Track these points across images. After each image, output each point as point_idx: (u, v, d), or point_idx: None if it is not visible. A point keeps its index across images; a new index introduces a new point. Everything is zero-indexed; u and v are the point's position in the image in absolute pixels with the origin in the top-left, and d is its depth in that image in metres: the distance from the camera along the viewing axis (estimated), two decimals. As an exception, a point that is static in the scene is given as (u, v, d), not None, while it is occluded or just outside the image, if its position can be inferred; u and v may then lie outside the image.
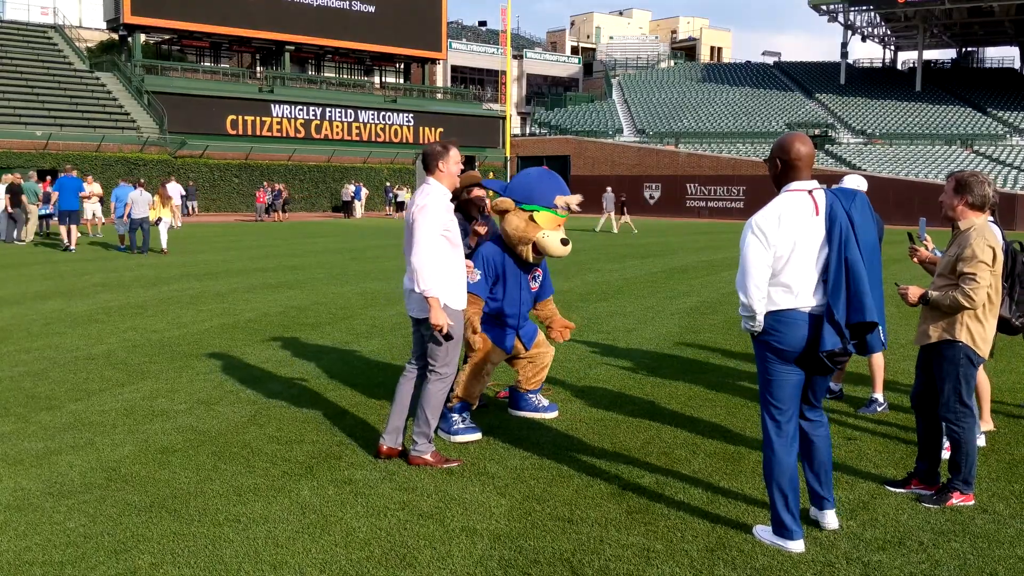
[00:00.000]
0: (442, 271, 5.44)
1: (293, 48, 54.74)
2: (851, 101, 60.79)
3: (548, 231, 6.19)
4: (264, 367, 8.49)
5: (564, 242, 6.23)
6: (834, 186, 7.14)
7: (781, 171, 4.26)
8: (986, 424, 6.35)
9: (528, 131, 65.22)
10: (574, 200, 6.33)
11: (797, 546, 4.31)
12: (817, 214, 4.17)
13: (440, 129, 55.00)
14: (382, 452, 5.69)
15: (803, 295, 4.17)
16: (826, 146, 53.10)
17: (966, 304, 4.76)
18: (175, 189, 32.92)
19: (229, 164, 46.39)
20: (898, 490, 5.22)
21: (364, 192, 47.09)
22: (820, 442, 4.49)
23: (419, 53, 58.64)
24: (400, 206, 46.82)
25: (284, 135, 50.15)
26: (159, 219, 21.76)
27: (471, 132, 56.14)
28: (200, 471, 5.44)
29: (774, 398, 4.33)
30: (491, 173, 55.45)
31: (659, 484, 5.29)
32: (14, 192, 24.23)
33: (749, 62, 74.96)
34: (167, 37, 54.49)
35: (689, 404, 7.20)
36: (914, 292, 4.99)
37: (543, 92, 75.50)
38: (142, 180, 21.84)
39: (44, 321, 11.07)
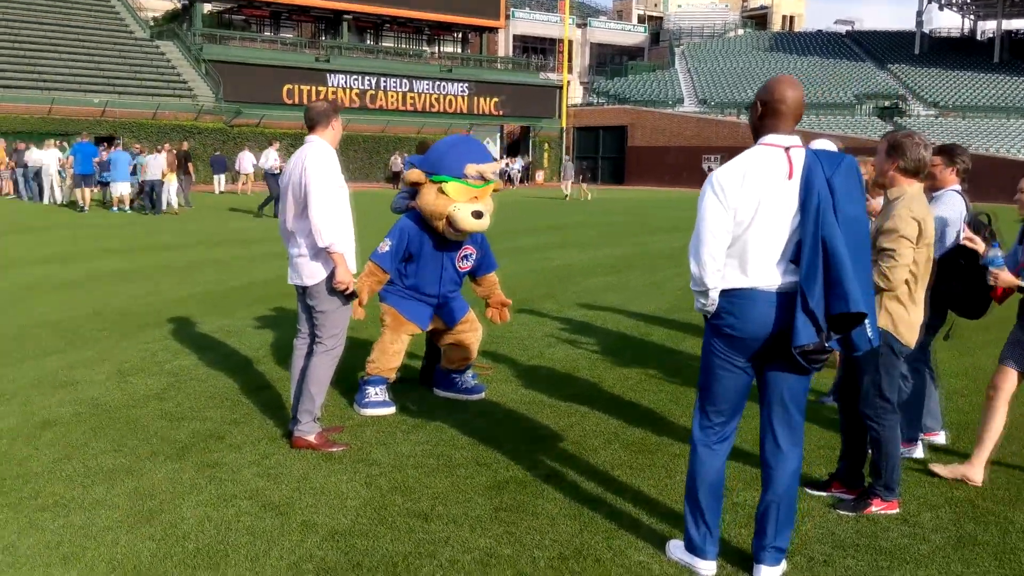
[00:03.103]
0: (341, 228, 5.02)
1: (351, 17, 54.51)
2: (925, 72, 58.27)
3: (459, 204, 5.65)
4: (214, 336, 8.15)
5: (477, 215, 5.67)
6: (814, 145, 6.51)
7: (760, 116, 3.52)
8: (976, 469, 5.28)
9: (587, 101, 64.16)
10: (488, 169, 5.75)
11: (707, 568, 3.70)
12: (791, 177, 3.40)
13: (495, 99, 54.29)
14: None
15: (762, 272, 3.43)
16: (895, 118, 51.10)
17: (881, 284, 4.11)
18: (248, 158, 32.97)
19: (285, 133, 46.43)
20: (817, 493, 4.61)
21: (416, 162, 46.67)
22: (783, 477, 3.61)
23: (477, 22, 57.88)
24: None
25: (339, 105, 50.05)
26: (163, 182, 22.30)
27: (527, 102, 55.30)
28: (65, 448, 5.09)
29: (711, 395, 3.64)
30: (546, 144, 54.72)
31: (550, 477, 4.77)
32: (182, 159, 25.22)
33: (821, 31, 72.40)
34: (229, 6, 54.77)
35: (635, 388, 6.63)
36: None
37: (608, 61, 74.18)
38: (137, 145, 22.36)
39: (27, 285, 10.94)
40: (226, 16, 56.52)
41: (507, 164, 50.52)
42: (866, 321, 3.44)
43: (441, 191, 5.64)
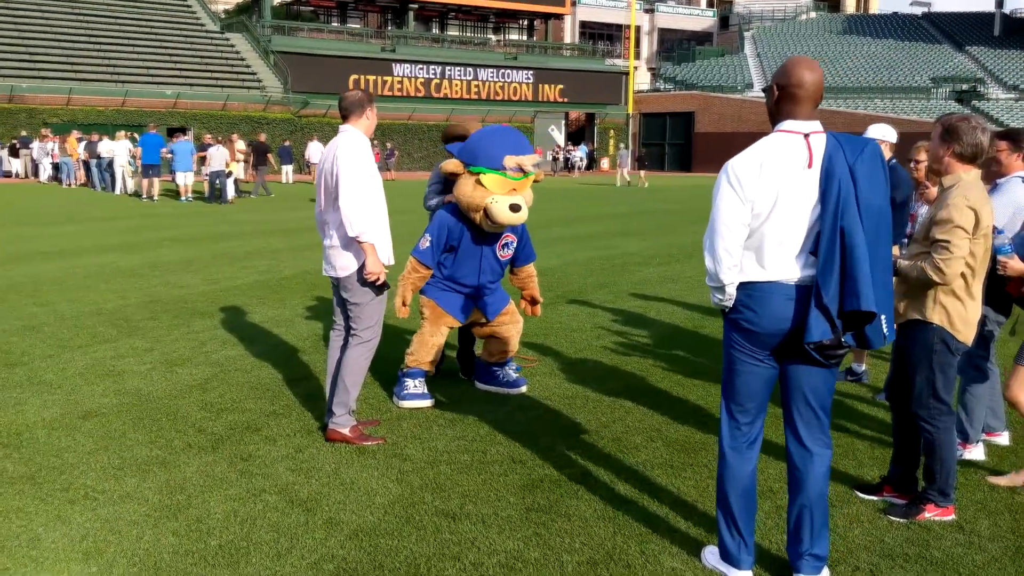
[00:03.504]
0: (371, 218, 4.92)
1: (417, 6, 54.67)
2: (1005, 54, 56.23)
3: (497, 196, 5.49)
4: (263, 326, 8.17)
5: (515, 208, 5.50)
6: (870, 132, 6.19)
7: (777, 101, 3.31)
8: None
9: (654, 87, 63.41)
10: (527, 161, 5.57)
11: None
12: (810, 166, 3.21)
13: (560, 86, 53.91)
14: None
15: (781, 265, 3.25)
16: (973, 102, 49.45)
17: (935, 278, 3.87)
18: (316, 148, 33.45)
19: (351, 123, 46.75)
20: (868, 497, 4.38)
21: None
22: (812, 479, 3.43)
23: (543, 9, 57.52)
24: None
25: (404, 94, 50.25)
26: (230, 172, 22.82)
27: (593, 88, 54.84)
28: (103, 439, 5.09)
29: (736, 392, 3.46)
30: (611, 131, 54.22)
31: (586, 476, 4.61)
32: (260, 150, 26.14)
33: (896, 13, 70.41)
34: (297, -3, 55.44)
35: (683, 383, 6.42)
36: None
37: (675, 47, 73.15)
38: (208, 136, 23.21)
39: (85, 274, 11.11)
40: (294, 7, 57.12)
41: (568, 151, 50.21)
42: (882, 317, 3.24)
43: (479, 183, 5.50)
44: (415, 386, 5.82)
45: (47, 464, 4.71)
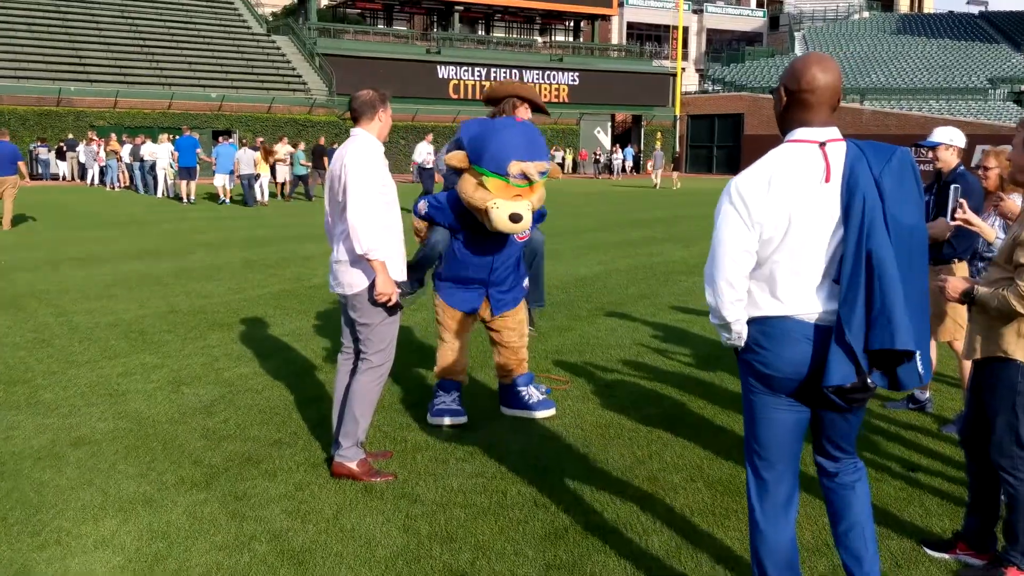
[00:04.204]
0: (382, 232, 4.46)
1: (463, 8, 54.39)
2: (1068, 52, 54.53)
3: (499, 200, 4.93)
4: (283, 340, 7.76)
5: (515, 218, 4.93)
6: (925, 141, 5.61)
7: (786, 107, 2.84)
8: None
9: (702, 88, 62.47)
10: (533, 169, 4.96)
11: None
12: (828, 180, 2.73)
13: (606, 87, 53.28)
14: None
15: (798, 298, 2.78)
16: (1034, 103, 47.91)
17: (1020, 308, 3.29)
18: None
19: (396, 126, 46.56)
20: (938, 555, 3.80)
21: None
22: (849, 498, 3.02)
23: (589, 10, 56.94)
24: (561, 166, 45.92)
25: (449, 96, 49.99)
26: (258, 175, 23.04)
27: (639, 90, 54.11)
28: (89, 472, 4.67)
29: (758, 443, 2.96)
30: (658, 133, 53.42)
31: (616, 524, 4.09)
32: (318, 153, 26.71)
33: (951, 12, 68.71)
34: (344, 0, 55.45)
35: (727, 411, 5.87)
36: (955, 285, 3.53)
37: (723, 48, 72.08)
38: (243, 139, 23.69)
39: (110, 282, 10.81)
40: (340, 10, 57.20)
41: (612, 153, 49.61)
42: (917, 355, 2.74)
43: (481, 184, 4.99)
44: (446, 402, 5.41)
45: (23, 500, 4.30)
